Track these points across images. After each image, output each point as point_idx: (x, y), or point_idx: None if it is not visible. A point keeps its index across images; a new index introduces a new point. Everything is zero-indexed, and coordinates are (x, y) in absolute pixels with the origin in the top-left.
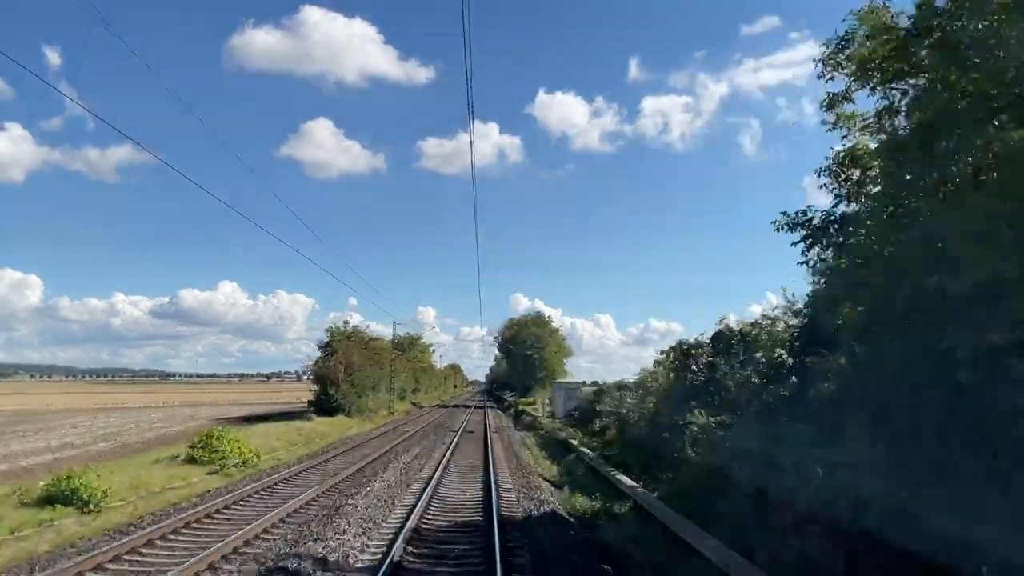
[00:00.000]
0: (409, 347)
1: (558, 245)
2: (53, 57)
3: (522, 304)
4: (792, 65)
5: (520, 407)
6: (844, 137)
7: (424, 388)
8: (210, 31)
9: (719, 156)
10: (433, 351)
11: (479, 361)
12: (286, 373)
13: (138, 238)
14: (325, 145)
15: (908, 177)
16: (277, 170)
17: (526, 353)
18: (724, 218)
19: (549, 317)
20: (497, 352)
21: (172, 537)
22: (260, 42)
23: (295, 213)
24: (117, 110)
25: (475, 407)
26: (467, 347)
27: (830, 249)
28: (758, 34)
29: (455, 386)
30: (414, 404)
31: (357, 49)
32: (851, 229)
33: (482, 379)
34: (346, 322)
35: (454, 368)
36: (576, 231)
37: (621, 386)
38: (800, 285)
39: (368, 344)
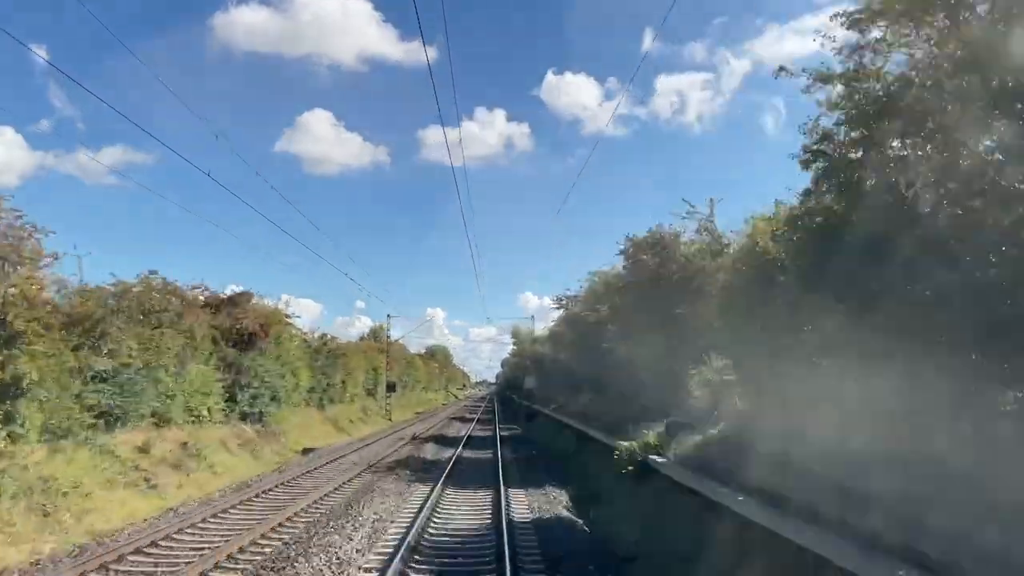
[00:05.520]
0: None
1: (567, 240)
2: (39, 57)
3: (532, 303)
4: (819, 32)
5: None
6: None
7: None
8: (191, 6)
9: (740, 136)
10: None
11: (488, 362)
12: None
13: (138, 241)
14: (324, 138)
15: None
16: (276, 166)
17: None
18: (741, 206)
19: None
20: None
21: None
22: (247, 21)
23: (304, 213)
24: (108, 107)
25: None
26: (476, 348)
27: None
28: None
29: (421, 388)
30: None
31: (354, 29)
32: None
33: (492, 379)
34: None
35: (434, 354)
36: (586, 224)
37: None
38: None
39: None
